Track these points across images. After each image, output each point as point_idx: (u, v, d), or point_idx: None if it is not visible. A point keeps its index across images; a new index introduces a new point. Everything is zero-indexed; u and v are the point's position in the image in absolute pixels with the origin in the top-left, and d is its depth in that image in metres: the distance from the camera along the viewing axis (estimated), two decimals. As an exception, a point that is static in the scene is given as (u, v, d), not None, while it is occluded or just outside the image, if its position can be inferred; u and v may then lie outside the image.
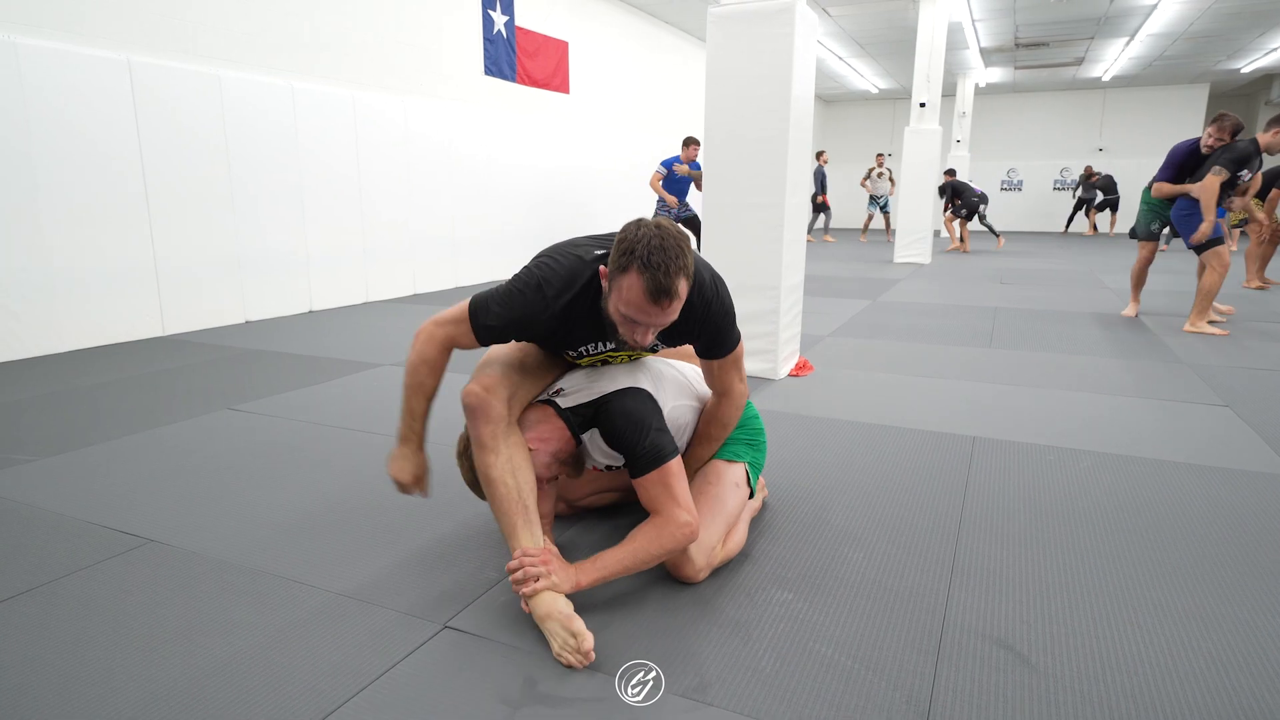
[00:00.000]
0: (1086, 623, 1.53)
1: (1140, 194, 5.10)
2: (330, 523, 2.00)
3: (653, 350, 1.72)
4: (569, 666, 1.38)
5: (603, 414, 1.63)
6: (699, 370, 1.86)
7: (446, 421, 2.19)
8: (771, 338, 3.52)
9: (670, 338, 1.65)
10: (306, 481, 2.28)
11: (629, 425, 1.59)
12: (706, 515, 1.70)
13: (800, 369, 3.73)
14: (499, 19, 7.20)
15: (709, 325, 1.64)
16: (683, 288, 1.43)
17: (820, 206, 13.03)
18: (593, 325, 1.58)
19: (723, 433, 1.82)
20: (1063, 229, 16.45)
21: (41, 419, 2.90)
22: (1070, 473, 2.36)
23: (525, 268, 1.57)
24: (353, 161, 5.73)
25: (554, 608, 1.42)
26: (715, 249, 3.56)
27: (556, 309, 1.52)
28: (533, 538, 1.54)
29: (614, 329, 1.50)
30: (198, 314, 4.75)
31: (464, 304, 1.58)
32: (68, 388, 3.36)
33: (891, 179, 13.06)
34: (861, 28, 11.16)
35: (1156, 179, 4.80)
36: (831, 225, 13.87)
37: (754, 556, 1.82)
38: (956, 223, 11.40)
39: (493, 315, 1.54)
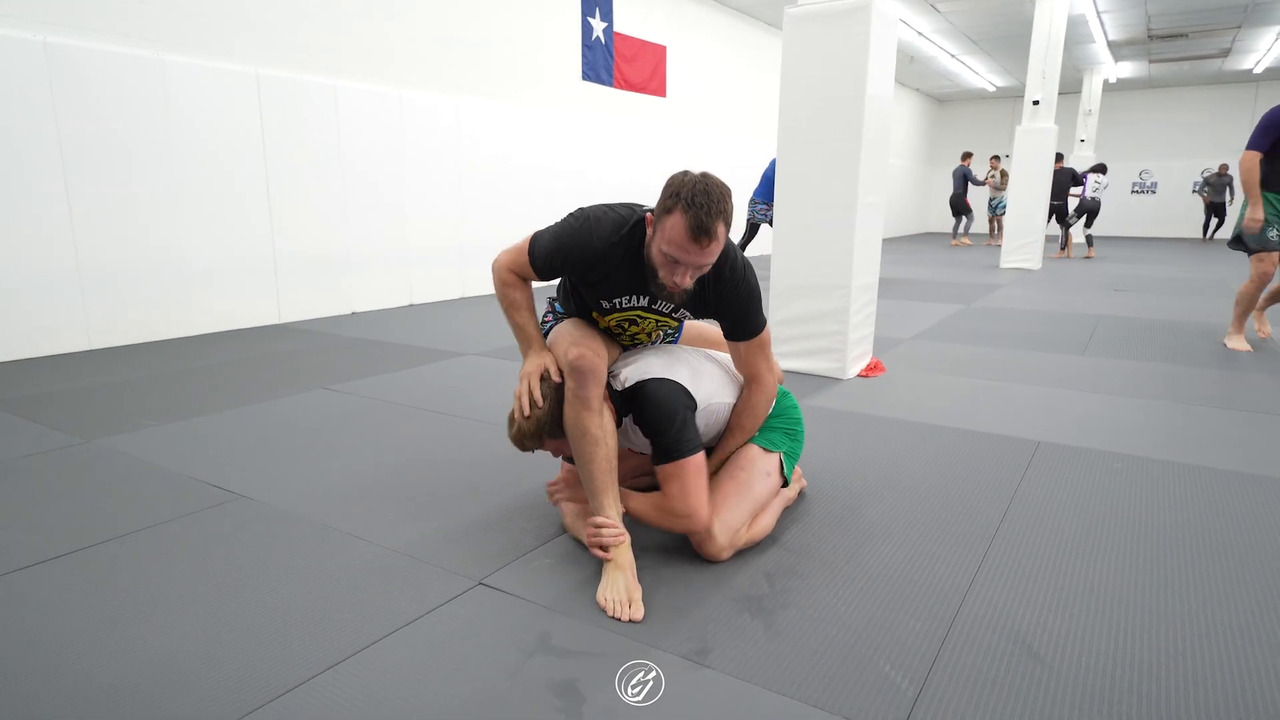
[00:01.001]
0: (1107, 626, 1.49)
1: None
2: (392, 488, 2.19)
3: (677, 318, 1.81)
4: (603, 609, 1.54)
5: (638, 399, 1.72)
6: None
7: (467, 391, 2.34)
8: (840, 337, 3.51)
9: (698, 306, 1.75)
10: (378, 451, 2.50)
11: (659, 414, 1.68)
12: (734, 498, 1.77)
13: (871, 369, 3.69)
14: (598, 25, 7.42)
15: (737, 298, 1.72)
16: (721, 231, 1.53)
17: (962, 208, 12.46)
18: (632, 275, 1.68)
19: (754, 423, 1.88)
20: (1202, 236, 15.19)
21: (168, 392, 3.28)
22: (1128, 481, 2.26)
23: (582, 208, 1.72)
24: (453, 164, 6.07)
25: (628, 561, 1.63)
26: (787, 246, 3.58)
27: (601, 247, 1.65)
28: (614, 503, 1.70)
29: (654, 275, 1.60)
30: (311, 304, 5.18)
31: (527, 236, 1.77)
32: (191, 367, 3.77)
33: (1002, 183, 12.44)
34: (974, 23, 10.73)
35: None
36: (959, 229, 13.21)
37: (782, 542, 1.87)
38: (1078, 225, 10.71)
39: (544, 243, 1.71)
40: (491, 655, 1.39)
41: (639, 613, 1.52)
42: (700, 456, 1.69)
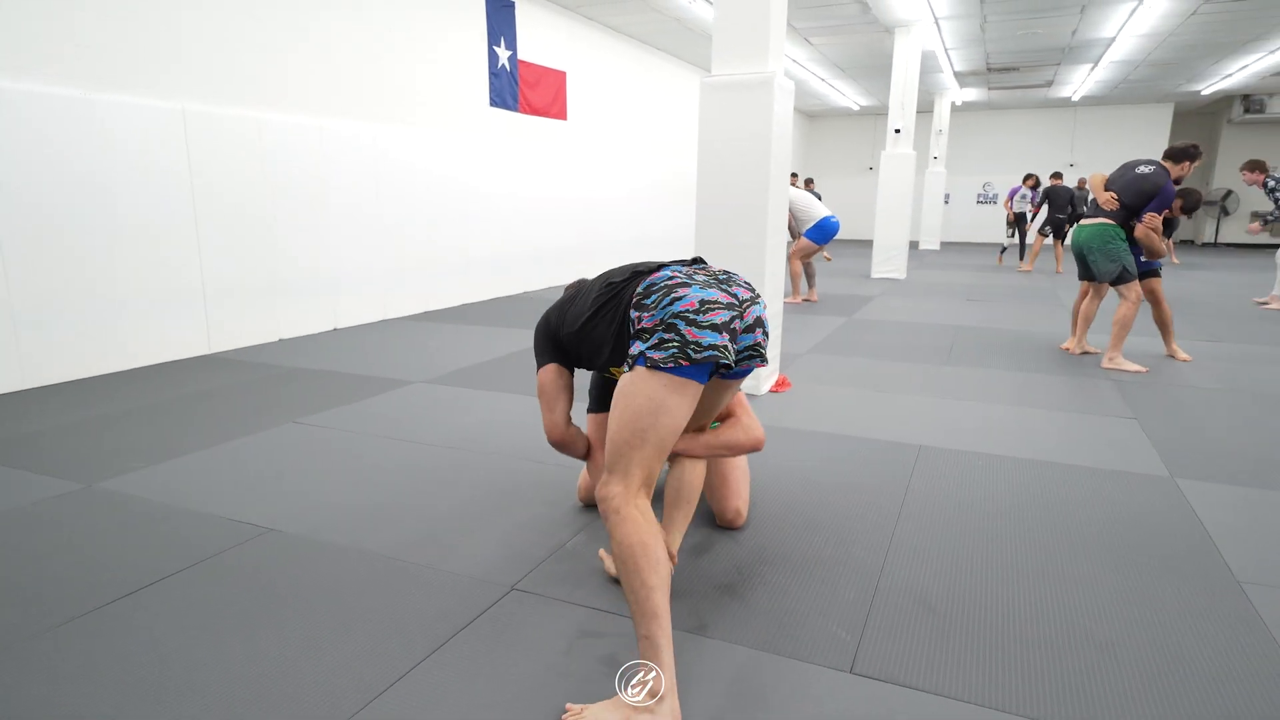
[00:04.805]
0: (984, 583, 2.09)
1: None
2: (404, 511, 2.53)
3: None
4: None
5: None
6: None
7: (432, 418, 2.70)
8: (754, 359, 4.08)
9: None
10: (372, 479, 2.81)
11: None
12: (743, 484, 2.41)
13: (780, 386, 4.29)
14: (503, 54, 7.74)
15: None
16: None
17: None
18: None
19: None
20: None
21: (141, 429, 3.40)
22: (992, 475, 2.94)
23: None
24: (374, 190, 6.25)
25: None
26: (706, 282, 4.12)
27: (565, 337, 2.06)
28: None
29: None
30: (240, 333, 5.25)
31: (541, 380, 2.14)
32: (148, 403, 3.86)
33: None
34: (841, 54, 11.78)
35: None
36: (830, 247, 13.62)
37: (740, 542, 2.37)
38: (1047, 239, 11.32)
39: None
40: (530, 661, 1.81)
41: None
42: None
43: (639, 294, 1.77)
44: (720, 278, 1.78)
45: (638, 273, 1.86)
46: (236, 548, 2.29)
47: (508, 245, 8.02)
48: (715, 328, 1.65)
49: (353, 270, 6.15)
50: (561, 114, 8.84)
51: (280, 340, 5.55)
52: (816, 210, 7.55)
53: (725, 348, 1.66)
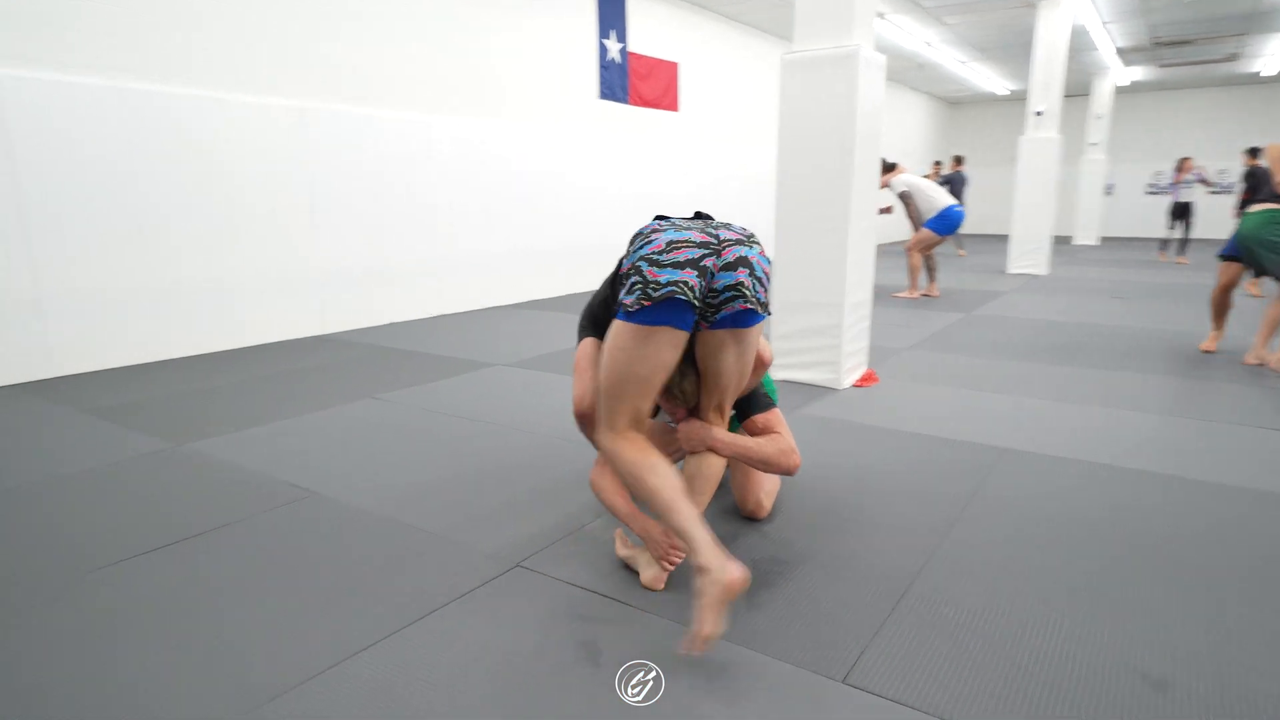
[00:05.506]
0: (1035, 605, 1.85)
1: None
2: (443, 486, 2.58)
3: None
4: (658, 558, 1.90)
5: None
6: None
7: (501, 399, 2.70)
8: (835, 350, 3.87)
9: None
10: (427, 455, 2.89)
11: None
12: (766, 476, 2.28)
13: (865, 380, 4.04)
14: (614, 47, 7.80)
15: None
16: None
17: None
18: None
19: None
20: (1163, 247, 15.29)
21: (240, 399, 3.70)
22: (1080, 484, 2.61)
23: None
24: (479, 183, 6.49)
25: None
26: (786, 267, 3.94)
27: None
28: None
29: None
30: (350, 316, 5.61)
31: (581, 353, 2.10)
32: (254, 376, 4.20)
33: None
34: (980, 33, 10.99)
35: None
36: (962, 235, 12.81)
37: (765, 534, 2.24)
38: None
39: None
40: (520, 626, 1.77)
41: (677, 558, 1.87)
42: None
43: (628, 248, 1.77)
44: (711, 225, 1.75)
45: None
46: (281, 508, 2.42)
47: (612, 236, 8.08)
48: (677, 265, 1.63)
49: (459, 258, 6.41)
50: (673, 105, 8.80)
51: (389, 323, 5.88)
52: (940, 199, 7.07)
53: (683, 283, 1.62)
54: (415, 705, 1.48)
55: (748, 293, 1.71)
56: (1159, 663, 1.60)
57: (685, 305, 1.66)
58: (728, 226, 1.77)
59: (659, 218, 1.85)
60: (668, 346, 1.68)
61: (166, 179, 4.49)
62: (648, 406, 1.73)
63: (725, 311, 1.72)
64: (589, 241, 7.75)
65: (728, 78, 9.90)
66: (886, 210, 6.78)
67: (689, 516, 1.62)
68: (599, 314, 2.05)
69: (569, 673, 1.58)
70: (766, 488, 2.29)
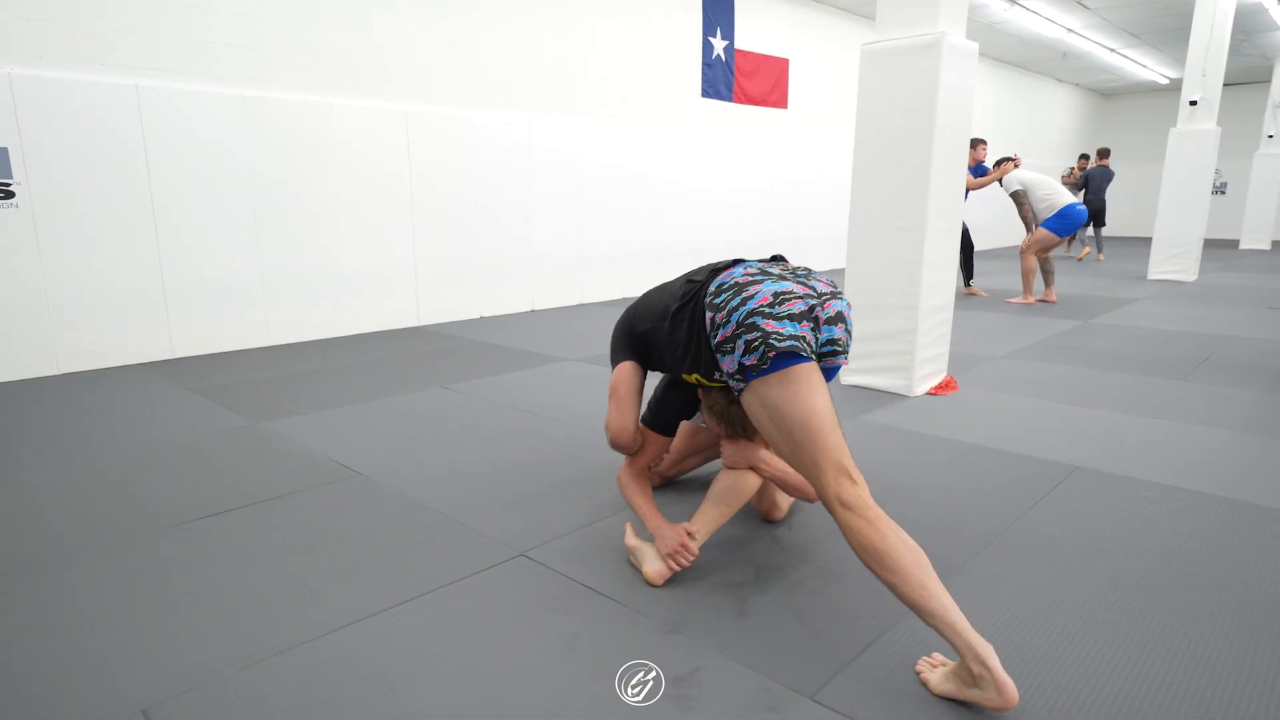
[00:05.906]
0: (1057, 639, 1.68)
1: None
2: (479, 475, 2.67)
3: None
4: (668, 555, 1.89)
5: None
6: None
7: (563, 394, 2.73)
8: (907, 355, 3.66)
9: None
10: (476, 444, 3.00)
11: None
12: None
13: (942, 388, 3.80)
14: (719, 44, 7.74)
15: None
16: None
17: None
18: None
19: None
20: None
21: (320, 384, 3.98)
22: (1157, 509, 2.34)
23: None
24: (575, 181, 6.63)
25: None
26: (858, 266, 3.77)
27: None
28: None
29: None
30: (446, 309, 5.90)
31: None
32: (340, 363, 4.50)
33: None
34: (1130, 17, 10.04)
35: None
36: (1105, 237, 11.72)
37: (780, 539, 2.16)
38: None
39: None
40: (513, 611, 1.80)
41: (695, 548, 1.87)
42: None
43: (711, 293, 1.78)
44: (799, 274, 1.79)
45: (714, 270, 1.86)
46: (325, 486, 2.58)
47: (705, 237, 8.02)
48: (793, 318, 1.66)
49: (551, 256, 6.58)
50: (781, 102, 8.62)
51: (481, 317, 6.12)
52: (1058, 197, 6.54)
53: (804, 339, 1.65)
54: (392, 679, 1.54)
55: (842, 349, 1.75)
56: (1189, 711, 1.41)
57: (805, 360, 1.68)
58: (812, 274, 1.80)
59: (736, 261, 1.88)
60: (816, 380, 1.67)
61: (279, 178, 4.89)
62: (840, 447, 1.62)
63: (822, 365, 1.74)
64: (685, 243, 7.73)
65: (841, 72, 9.58)
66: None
67: (948, 606, 1.45)
68: (643, 337, 2.04)
69: (546, 665, 1.59)
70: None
